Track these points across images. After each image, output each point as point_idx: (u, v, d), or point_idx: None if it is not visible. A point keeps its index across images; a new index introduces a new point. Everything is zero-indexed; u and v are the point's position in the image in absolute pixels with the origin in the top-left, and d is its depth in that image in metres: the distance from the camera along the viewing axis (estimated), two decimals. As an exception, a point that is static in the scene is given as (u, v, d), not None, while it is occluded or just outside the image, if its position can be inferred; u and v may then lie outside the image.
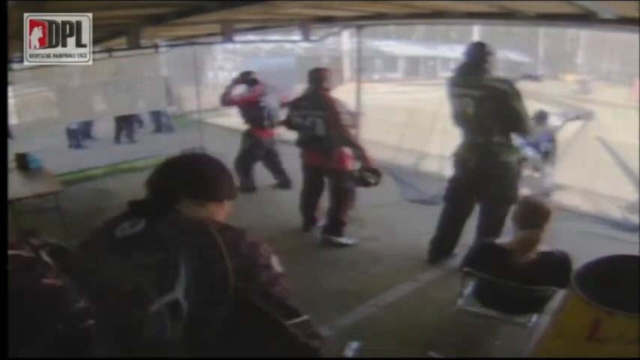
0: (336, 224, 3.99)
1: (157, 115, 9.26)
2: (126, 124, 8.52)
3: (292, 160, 5.62)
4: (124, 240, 1.03)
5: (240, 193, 5.20)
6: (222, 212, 1.19)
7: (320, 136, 3.78)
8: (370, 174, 3.73)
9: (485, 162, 3.27)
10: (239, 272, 0.95)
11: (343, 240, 3.97)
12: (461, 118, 3.35)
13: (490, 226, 3.36)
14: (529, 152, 3.72)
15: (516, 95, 3.11)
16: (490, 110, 3.13)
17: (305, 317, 1.02)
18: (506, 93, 3.09)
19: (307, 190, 4.20)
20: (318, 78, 3.83)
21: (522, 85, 3.64)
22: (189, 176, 1.15)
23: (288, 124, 4.10)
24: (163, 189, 1.12)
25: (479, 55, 3.22)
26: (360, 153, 3.71)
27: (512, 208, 3.24)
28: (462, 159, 3.43)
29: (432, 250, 3.62)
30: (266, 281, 0.98)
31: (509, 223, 2.79)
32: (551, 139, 3.31)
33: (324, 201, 4.14)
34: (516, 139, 3.37)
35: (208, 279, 0.94)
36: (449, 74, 3.60)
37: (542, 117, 3.17)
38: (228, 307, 0.93)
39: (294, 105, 4.01)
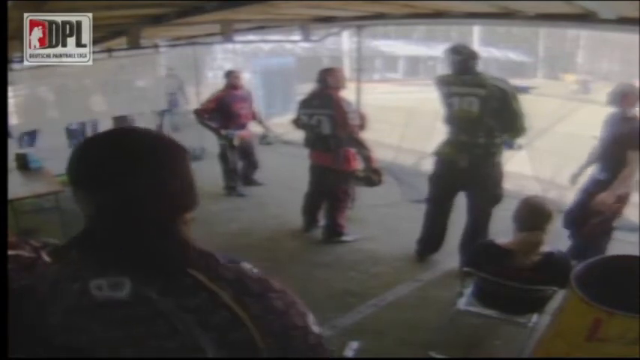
0: (335, 227, 4.00)
1: (161, 115, 9.24)
2: (126, 123, 8.50)
3: (274, 159, 5.63)
4: (106, 305, 0.69)
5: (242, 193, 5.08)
6: (190, 222, 0.80)
7: (325, 134, 3.78)
8: (373, 174, 3.74)
9: (478, 162, 3.29)
10: (273, 351, 0.70)
11: (343, 238, 3.99)
12: (458, 117, 3.31)
13: (479, 224, 3.40)
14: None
15: (515, 96, 3.18)
16: (493, 110, 3.17)
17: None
18: (507, 93, 3.15)
19: (312, 192, 4.17)
20: (326, 78, 3.82)
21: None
22: (157, 178, 0.73)
23: (297, 123, 4.10)
24: (121, 211, 0.73)
25: (468, 54, 3.24)
26: (366, 153, 3.70)
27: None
28: (450, 158, 3.41)
29: (419, 249, 3.66)
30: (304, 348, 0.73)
31: (502, 223, 2.79)
32: None
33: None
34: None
35: None
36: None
37: None
38: None
39: (303, 104, 4.00)
